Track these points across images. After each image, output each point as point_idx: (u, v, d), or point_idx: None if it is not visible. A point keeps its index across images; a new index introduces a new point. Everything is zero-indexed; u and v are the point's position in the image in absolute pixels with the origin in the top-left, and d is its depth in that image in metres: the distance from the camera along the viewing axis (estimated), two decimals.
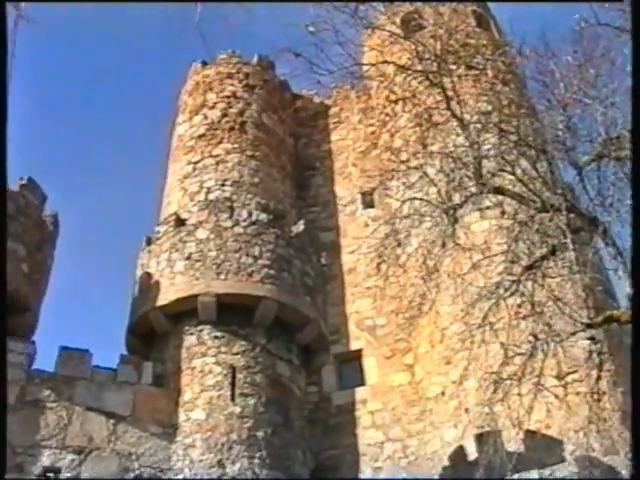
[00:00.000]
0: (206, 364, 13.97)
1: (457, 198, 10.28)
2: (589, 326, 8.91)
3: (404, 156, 15.61)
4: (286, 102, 23.28)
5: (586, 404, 10.62)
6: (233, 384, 13.73)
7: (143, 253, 16.35)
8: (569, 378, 12.38)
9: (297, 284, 15.21)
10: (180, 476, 12.77)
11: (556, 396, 11.22)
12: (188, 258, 15.01)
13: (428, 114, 13.40)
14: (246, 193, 18.67)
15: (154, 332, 15.04)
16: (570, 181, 9.39)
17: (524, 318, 10.44)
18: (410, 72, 11.65)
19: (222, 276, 14.61)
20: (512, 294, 9.76)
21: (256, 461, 12.96)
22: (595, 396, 9.90)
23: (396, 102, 13.70)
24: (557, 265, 9.65)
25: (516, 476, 11.00)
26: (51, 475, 12.30)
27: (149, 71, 45.81)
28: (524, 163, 9.96)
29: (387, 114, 20.92)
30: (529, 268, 9.56)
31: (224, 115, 21.22)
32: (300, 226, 16.30)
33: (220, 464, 12.79)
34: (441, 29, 12.90)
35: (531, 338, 9.70)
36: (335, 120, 23.29)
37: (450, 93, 10.65)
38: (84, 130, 44.33)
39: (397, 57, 14.14)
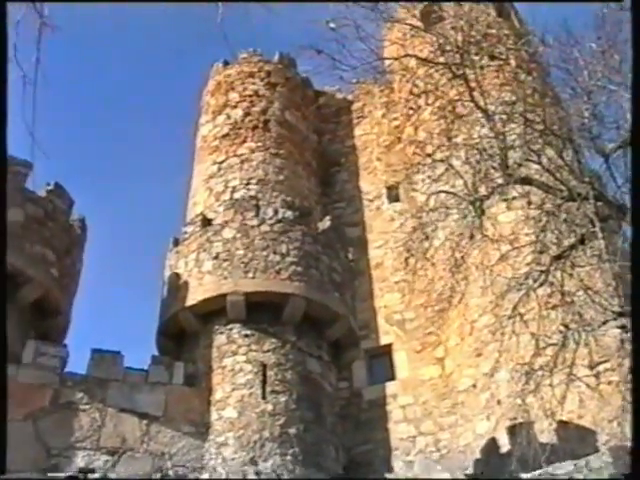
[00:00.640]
0: (237, 362, 14.02)
1: (483, 189, 10.24)
2: (620, 314, 8.84)
3: (429, 149, 15.54)
4: (308, 99, 23.28)
5: (619, 393, 10.56)
6: (264, 382, 13.76)
7: (171, 254, 16.44)
8: (601, 367, 12.32)
9: (325, 280, 15.21)
10: (214, 475, 12.82)
11: (588, 386, 11.17)
12: (216, 258, 15.06)
13: (452, 106, 13.34)
14: (271, 191, 18.72)
15: (184, 332, 15.12)
16: (597, 169, 9.33)
17: (554, 308, 10.40)
18: (432, 65, 11.60)
19: (250, 274, 14.65)
20: (541, 284, 9.72)
21: (288, 458, 12.98)
22: (628, 385, 9.84)
23: (419, 95, 13.67)
24: (586, 254, 9.59)
25: (550, 468, 10.94)
26: (80, 475, 12.41)
27: (171, 73, 45.98)
28: (550, 152, 9.91)
29: (410, 107, 20.86)
30: (558, 258, 9.52)
31: (247, 114, 21.27)
32: (326, 222, 16.30)
33: (253, 462, 12.83)
34: (462, 20, 12.82)
35: (562, 328, 9.65)
36: (358, 115, 23.28)
37: (473, 84, 10.61)
38: (108, 134, 44.64)
39: (418, 50, 14.05)
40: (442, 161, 11.82)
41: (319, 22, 9.99)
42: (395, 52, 14.24)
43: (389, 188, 20.64)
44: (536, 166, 9.92)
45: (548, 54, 11.44)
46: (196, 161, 21.62)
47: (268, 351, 14.16)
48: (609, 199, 8.97)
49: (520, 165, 10.01)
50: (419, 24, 16.62)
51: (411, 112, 20.94)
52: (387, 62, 13.71)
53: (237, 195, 18.62)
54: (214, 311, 14.67)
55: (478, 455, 15.04)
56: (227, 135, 20.86)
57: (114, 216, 36.91)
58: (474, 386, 15.68)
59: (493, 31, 16.79)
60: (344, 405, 16.54)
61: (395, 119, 22.12)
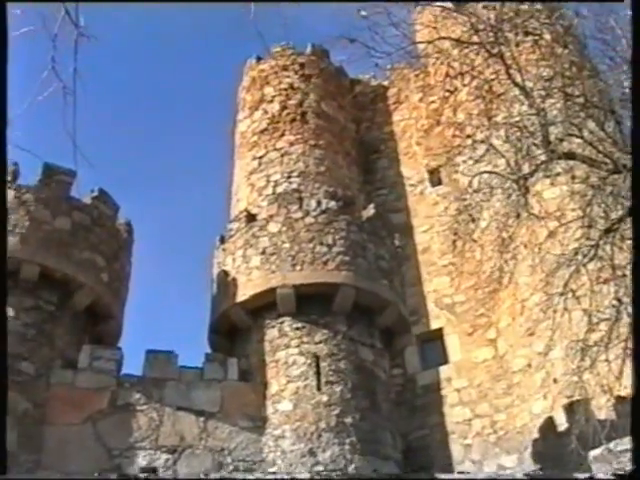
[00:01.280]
0: (290, 355, 14.07)
1: (526, 167, 10.17)
2: None
3: (469, 130, 15.46)
4: (344, 88, 23.29)
5: None
6: (318, 373, 13.78)
7: (218, 252, 16.54)
8: None
9: (373, 268, 15.17)
10: (274, 468, 12.92)
11: None
12: (263, 252, 15.11)
13: (489, 85, 13.23)
14: (313, 183, 18.78)
15: (236, 328, 15.19)
16: None
17: (605, 283, 10.30)
18: (467, 45, 11.52)
19: (298, 267, 14.67)
20: (591, 259, 9.63)
21: (346, 447, 13.01)
22: None
23: (455, 77, 13.52)
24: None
25: (611, 444, 10.85)
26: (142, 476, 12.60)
27: (205, 72, 46.22)
28: (592, 125, 9.80)
29: (447, 90, 20.71)
30: (607, 232, 9.42)
31: (284, 107, 21.36)
32: (370, 210, 16.26)
33: (311, 453, 12.89)
34: None
35: (615, 302, 9.56)
36: (395, 101, 23.22)
37: (509, 62, 10.52)
38: (147, 137, 45.06)
39: (451, 31, 13.93)
40: (483, 141, 11.78)
41: (350, 11, 9.99)
42: (428, 35, 14.15)
43: (431, 172, 20.60)
44: (578, 140, 9.83)
45: (583, 26, 11.33)
46: (236, 158, 21.77)
47: (320, 342, 14.17)
48: None
49: (562, 140, 9.93)
50: (450, 5, 16.52)
51: (448, 94, 20.78)
52: (421, 46, 13.65)
53: (279, 189, 18.74)
54: (264, 305, 14.71)
55: (536, 435, 14.98)
56: (265, 130, 20.97)
57: (159, 218, 37.34)
58: (529, 366, 15.62)
59: (525, 7, 16.56)
60: (399, 392, 16.59)
61: (432, 102, 21.99)
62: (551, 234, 11.60)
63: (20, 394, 12.83)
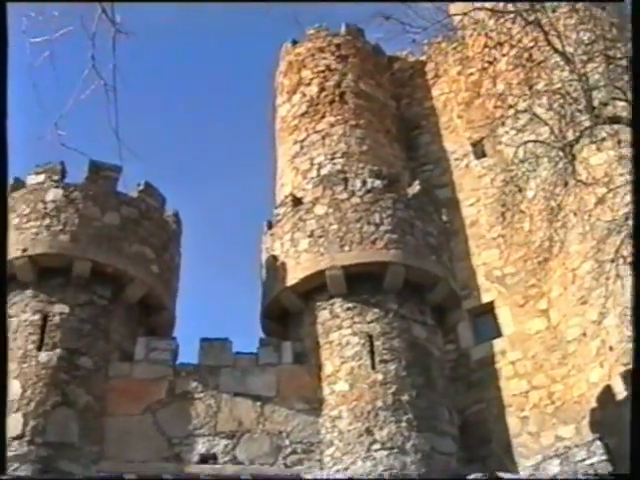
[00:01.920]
0: (343, 336, 14.11)
1: (571, 134, 10.07)
2: None
3: (510, 100, 15.27)
4: (381, 66, 23.15)
5: None
6: (372, 352, 13.80)
7: (266, 237, 16.61)
8: None
9: (421, 245, 15.11)
10: (331, 449, 13.00)
11: None
12: (310, 235, 15.14)
13: (528, 54, 13.11)
14: (357, 163, 18.73)
15: (288, 312, 15.28)
16: None
17: None
18: (503, 14, 11.39)
19: (346, 248, 14.68)
20: None
21: (403, 425, 13.04)
22: None
23: (494, 47, 13.38)
24: None
25: None
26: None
27: (241, 59, 46.21)
28: None
29: (486, 61, 20.49)
30: None
31: (322, 89, 21.32)
32: (416, 187, 16.19)
33: (368, 432, 12.94)
34: None
35: None
36: (433, 75, 22.99)
37: (547, 28, 10.39)
38: (188, 128, 45.31)
39: (486, 2, 13.80)
40: (525, 111, 11.67)
41: None
42: (463, 7, 13.99)
43: (474, 145, 20.39)
44: (623, 103, 9.69)
45: None
46: (278, 143, 21.82)
47: (372, 321, 14.19)
48: None
49: (606, 104, 9.80)
50: None
51: (487, 65, 20.56)
52: (456, 18, 13.55)
53: (323, 171, 18.75)
54: (315, 288, 14.76)
55: (594, 404, 14.85)
56: (305, 113, 20.96)
57: (206, 207, 37.60)
58: (583, 335, 15.47)
59: None
60: (453, 367, 16.54)
61: (471, 74, 21.72)
62: (600, 200, 11.48)
63: (80, 388, 13.12)
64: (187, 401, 13.46)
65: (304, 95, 21.45)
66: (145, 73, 40.42)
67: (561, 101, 10.18)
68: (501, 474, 12.22)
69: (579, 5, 13.45)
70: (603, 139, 11.26)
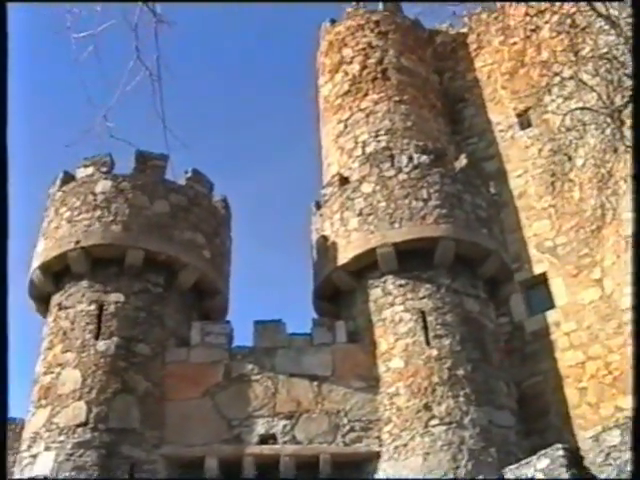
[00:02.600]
0: (396, 313, 14.11)
1: (619, 99, 9.89)
2: None
3: (555, 68, 15.04)
4: (422, 41, 22.97)
5: None
6: (425, 328, 13.80)
7: (315, 218, 16.68)
8: None
9: (471, 218, 15.03)
10: (389, 426, 13.03)
11: None
12: (359, 214, 15.14)
13: (571, 19, 12.87)
14: (402, 139, 18.66)
15: (340, 291, 15.32)
16: None
17: None
18: None
19: (396, 225, 14.65)
20: None
21: (461, 399, 13.02)
22: None
23: (536, 15, 13.18)
24: None
25: None
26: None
27: (280, 41, 46.25)
28: None
29: (528, 29, 20.20)
30: None
31: (364, 67, 21.23)
32: (462, 160, 16.08)
33: (426, 407, 12.94)
34: None
35: None
36: (475, 47, 22.71)
37: None
38: (234, 113, 45.53)
39: None
40: (571, 78, 11.49)
41: None
42: None
43: (519, 115, 20.11)
44: None
45: None
46: (322, 123, 21.80)
47: (424, 297, 14.16)
48: None
49: None
50: None
51: (529, 33, 20.29)
52: None
53: (368, 149, 18.71)
54: (366, 266, 14.78)
55: None
56: (348, 92, 20.90)
57: (254, 191, 37.84)
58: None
59: None
60: (507, 340, 16.43)
61: (514, 44, 21.39)
62: None
63: (138, 374, 13.32)
64: (244, 383, 13.61)
65: (346, 74, 21.38)
66: (188, 62, 40.61)
67: (608, 66, 10.02)
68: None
69: None
70: None
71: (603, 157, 10.95)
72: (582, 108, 10.60)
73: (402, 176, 15.28)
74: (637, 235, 7.02)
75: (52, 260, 14.61)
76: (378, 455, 12.89)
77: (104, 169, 15.44)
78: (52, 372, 13.42)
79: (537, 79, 18.30)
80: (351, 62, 21.61)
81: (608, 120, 9.99)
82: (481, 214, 15.34)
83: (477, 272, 14.92)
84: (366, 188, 15.43)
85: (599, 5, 10.15)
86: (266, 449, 12.92)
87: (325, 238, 15.74)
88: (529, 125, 19.79)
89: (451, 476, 12.11)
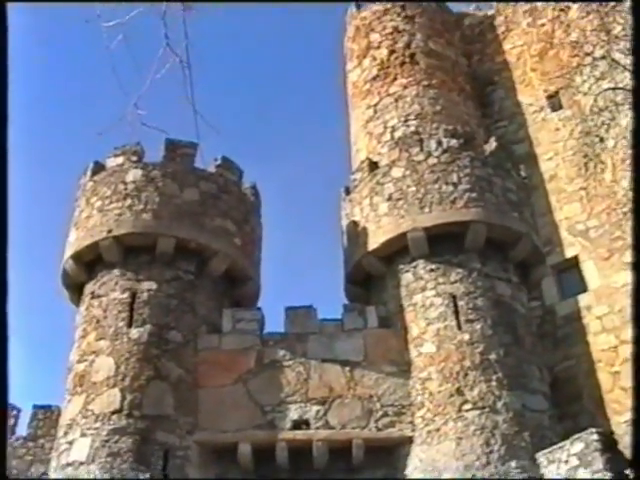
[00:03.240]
0: (427, 298, 14.08)
1: None
2: None
3: (586, 48, 14.86)
4: (449, 24, 22.84)
5: None
6: (457, 312, 13.76)
7: (344, 203, 16.69)
8: None
9: (502, 202, 14.93)
10: (422, 410, 13.02)
11: None
12: (389, 199, 15.11)
13: None
14: (431, 123, 18.59)
15: (370, 277, 15.33)
16: None
17: None
18: None
19: (426, 209, 14.60)
20: None
21: (493, 383, 12.98)
22: None
23: None
24: None
25: None
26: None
27: (309, 27, 46.17)
28: None
29: (557, 9, 20.01)
30: None
31: (392, 52, 21.15)
32: (492, 144, 15.96)
33: (459, 392, 12.92)
34: None
35: None
36: (504, 29, 22.52)
37: None
38: (263, 101, 45.62)
39: None
40: (603, 57, 11.34)
41: None
42: None
43: (549, 97, 19.93)
44: None
45: None
46: (350, 108, 21.77)
47: (456, 282, 14.11)
48: None
49: None
50: None
51: (558, 14, 20.08)
52: None
53: (397, 134, 18.65)
54: (396, 251, 14.75)
55: None
56: (376, 77, 20.85)
57: (284, 178, 37.89)
58: None
59: None
60: (539, 324, 16.35)
61: (543, 25, 21.21)
62: None
63: (171, 362, 13.40)
64: (276, 369, 13.66)
65: (374, 59, 21.30)
66: (217, 50, 40.76)
67: None
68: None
69: None
70: None
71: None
72: (614, 88, 10.46)
73: (432, 160, 15.22)
74: None
75: (84, 249, 14.73)
76: (411, 440, 12.91)
77: (134, 158, 15.53)
78: (86, 360, 13.55)
79: (567, 60, 18.16)
80: (379, 47, 21.53)
81: None
82: (511, 197, 15.24)
83: (508, 256, 14.83)
84: (396, 173, 15.39)
85: None
86: (299, 434, 12.97)
87: (355, 223, 15.74)
88: (560, 107, 19.60)
89: (484, 460, 12.09)
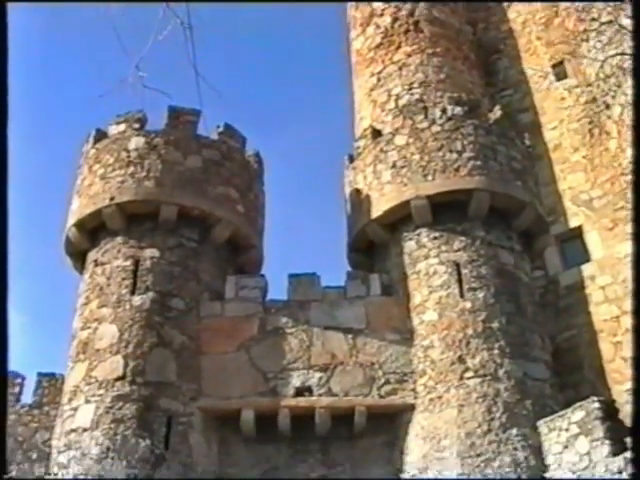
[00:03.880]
0: (430, 266, 14.07)
1: None
2: None
3: (592, 13, 14.70)
4: None
5: None
6: (460, 280, 13.75)
7: (348, 171, 16.65)
8: None
9: (506, 170, 14.86)
10: (424, 378, 13.05)
11: None
12: (393, 166, 15.06)
13: None
14: (435, 91, 18.46)
15: (374, 244, 15.32)
16: None
17: None
18: None
19: (430, 177, 14.55)
20: None
21: (495, 352, 13.00)
22: None
23: None
24: None
25: None
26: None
27: None
28: None
29: None
30: None
31: (395, 19, 20.95)
32: (497, 112, 15.86)
33: (461, 360, 12.95)
34: None
35: None
36: None
37: None
38: (264, 68, 45.40)
39: None
40: (610, 22, 11.22)
41: None
42: None
43: (554, 66, 19.78)
44: None
45: None
46: (354, 76, 21.62)
47: (459, 250, 14.09)
48: None
49: None
50: None
51: None
52: None
53: (401, 102, 18.51)
54: (400, 219, 14.73)
55: None
56: (380, 44, 20.68)
57: (287, 146, 37.83)
58: None
59: None
60: (542, 294, 16.34)
61: None
62: None
63: (174, 329, 13.45)
64: (279, 336, 13.70)
65: (378, 27, 21.12)
66: (220, 16, 40.36)
67: None
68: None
69: None
70: None
71: None
72: (622, 54, 10.35)
73: (436, 128, 15.15)
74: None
75: (87, 217, 14.73)
76: (413, 407, 12.96)
77: (137, 125, 15.48)
78: (89, 327, 13.59)
79: (573, 29, 18.00)
80: (382, 14, 21.32)
81: None
82: (516, 166, 15.18)
83: (512, 224, 14.80)
84: (399, 140, 15.33)
85: None
86: (302, 401, 13.04)
87: (358, 191, 15.71)
88: (565, 76, 19.45)
89: (486, 428, 12.14)
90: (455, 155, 14.70)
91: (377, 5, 21.67)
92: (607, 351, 15.58)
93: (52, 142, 42.42)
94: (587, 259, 16.88)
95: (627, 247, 16.23)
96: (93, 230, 14.83)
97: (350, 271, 15.01)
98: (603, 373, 15.28)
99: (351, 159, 16.62)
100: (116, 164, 14.97)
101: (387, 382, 13.22)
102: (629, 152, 15.16)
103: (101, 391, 12.67)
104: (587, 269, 16.73)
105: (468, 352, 13.00)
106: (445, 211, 14.36)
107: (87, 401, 12.70)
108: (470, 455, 11.95)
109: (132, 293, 13.67)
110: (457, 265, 13.92)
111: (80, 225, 14.80)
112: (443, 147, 14.84)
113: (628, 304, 15.54)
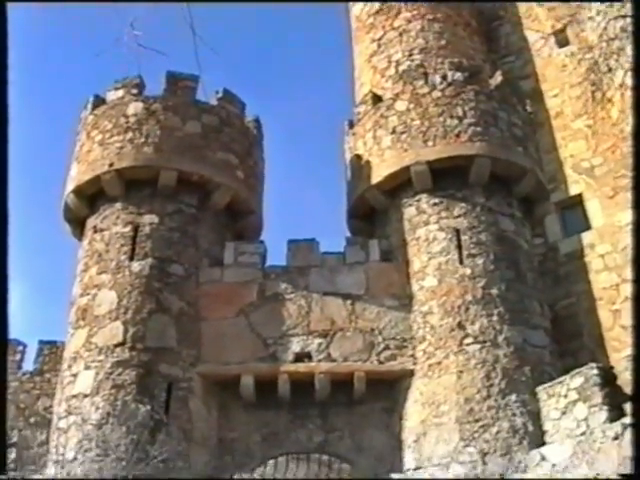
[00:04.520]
0: (429, 232, 14.03)
1: None
2: None
3: None
4: None
5: None
6: (459, 247, 13.72)
7: (348, 137, 16.58)
8: None
9: (507, 136, 14.78)
10: (424, 344, 13.06)
11: None
12: (393, 132, 14.97)
13: None
14: (435, 57, 18.34)
15: (373, 210, 15.27)
16: None
17: None
18: None
19: (430, 143, 14.47)
20: None
21: (495, 318, 13.00)
22: None
23: None
24: None
25: None
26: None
27: None
28: None
29: None
30: None
31: None
32: (498, 78, 15.74)
33: (460, 326, 12.95)
34: None
35: None
36: None
37: None
38: (264, 34, 45.11)
39: None
40: None
41: None
42: None
43: (556, 33, 19.61)
44: None
45: None
46: (354, 42, 21.47)
47: (459, 216, 14.05)
48: None
49: None
50: None
51: None
52: None
53: (402, 68, 18.37)
54: (400, 185, 14.67)
55: None
56: (380, 10, 20.51)
57: (287, 112, 37.68)
58: None
59: None
60: (541, 261, 16.29)
61: None
62: None
63: (173, 294, 13.45)
64: (278, 302, 13.70)
65: None
66: None
67: None
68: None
69: None
70: None
71: None
72: (625, 16, 10.25)
73: (436, 93, 15.04)
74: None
75: (86, 183, 14.69)
76: (412, 373, 12.99)
77: (135, 91, 15.40)
78: (88, 294, 13.59)
79: None
80: None
81: None
82: (517, 132, 15.09)
83: (512, 191, 14.75)
84: (400, 106, 15.23)
85: None
86: (301, 367, 13.06)
87: (358, 157, 15.64)
88: (567, 43, 19.28)
89: (485, 394, 12.17)
90: (456, 121, 14.61)
91: None
92: (606, 319, 15.57)
93: (51, 108, 42.16)
94: (587, 227, 16.81)
95: (627, 215, 16.17)
96: (92, 196, 14.80)
97: (349, 237, 14.97)
98: (602, 341, 15.28)
99: (351, 125, 16.54)
100: (114, 130, 14.90)
101: (386, 348, 13.24)
102: (631, 119, 15.05)
103: (101, 357, 12.69)
104: (587, 237, 16.67)
105: (467, 318, 13.00)
106: (445, 177, 14.29)
107: (87, 367, 12.73)
108: (469, 421, 12.00)
109: (131, 259, 13.66)
110: (457, 231, 13.88)
111: (79, 192, 14.76)
112: (444, 113, 14.74)
113: (628, 272, 15.51)
